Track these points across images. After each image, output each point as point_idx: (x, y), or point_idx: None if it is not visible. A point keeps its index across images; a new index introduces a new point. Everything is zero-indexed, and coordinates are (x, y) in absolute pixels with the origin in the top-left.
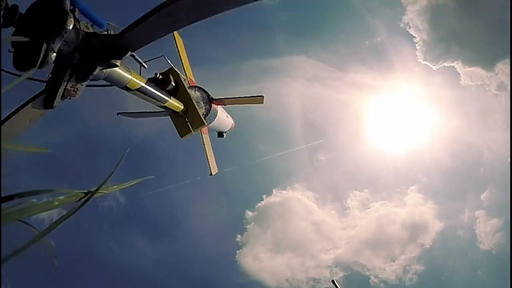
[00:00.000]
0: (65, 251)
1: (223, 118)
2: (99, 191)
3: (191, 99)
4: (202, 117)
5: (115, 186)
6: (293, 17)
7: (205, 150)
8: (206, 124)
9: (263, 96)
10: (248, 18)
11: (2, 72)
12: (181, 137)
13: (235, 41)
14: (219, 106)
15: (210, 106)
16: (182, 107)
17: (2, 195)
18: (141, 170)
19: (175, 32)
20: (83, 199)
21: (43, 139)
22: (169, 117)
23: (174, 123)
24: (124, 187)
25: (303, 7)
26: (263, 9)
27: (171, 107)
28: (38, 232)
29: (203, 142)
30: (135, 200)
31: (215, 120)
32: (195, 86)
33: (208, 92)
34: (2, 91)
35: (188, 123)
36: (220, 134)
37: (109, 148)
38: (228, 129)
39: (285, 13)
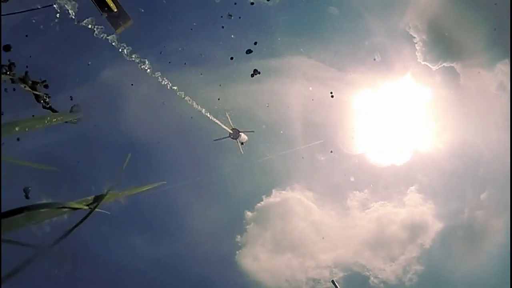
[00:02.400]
0: (64, 251)
1: (243, 137)
2: (108, 196)
3: (121, 7)
4: (128, 16)
5: (126, 191)
6: (293, 17)
7: (238, 147)
8: (131, 20)
9: (253, 131)
10: (248, 18)
11: None
12: (116, 30)
13: (235, 41)
14: (241, 133)
15: (239, 133)
16: (116, 10)
17: (11, 208)
18: (141, 170)
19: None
20: (93, 205)
21: (43, 139)
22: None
23: (109, 21)
24: (135, 192)
25: (303, 7)
26: (263, 9)
27: (107, 2)
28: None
29: (238, 144)
30: (135, 200)
31: (240, 138)
32: (235, 128)
33: (237, 128)
34: None
35: (120, 21)
36: (241, 144)
37: (108, 148)
38: (245, 141)
39: (285, 13)
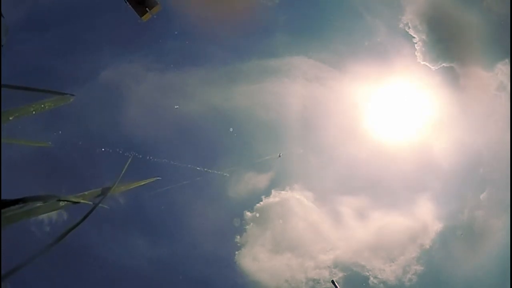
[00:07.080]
0: (64, 251)
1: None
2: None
3: None
4: (157, 1)
5: (122, 187)
6: (293, 17)
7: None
8: (159, 5)
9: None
10: (248, 18)
11: None
12: (142, 18)
13: (234, 41)
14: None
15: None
16: None
17: (6, 199)
18: (141, 171)
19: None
20: (96, 199)
21: (44, 138)
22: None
23: (134, 9)
24: (131, 187)
25: (303, 7)
26: (263, 9)
27: None
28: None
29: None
30: (135, 200)
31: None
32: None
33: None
34: None
35: (147, 8)
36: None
37: (107, 148)
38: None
39: (285, 13)
